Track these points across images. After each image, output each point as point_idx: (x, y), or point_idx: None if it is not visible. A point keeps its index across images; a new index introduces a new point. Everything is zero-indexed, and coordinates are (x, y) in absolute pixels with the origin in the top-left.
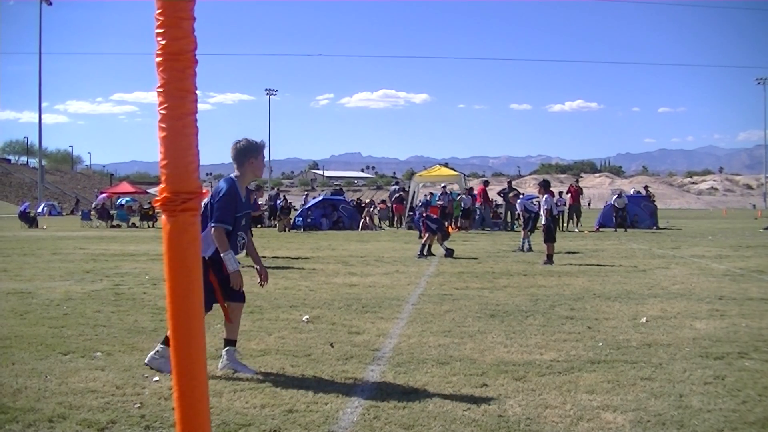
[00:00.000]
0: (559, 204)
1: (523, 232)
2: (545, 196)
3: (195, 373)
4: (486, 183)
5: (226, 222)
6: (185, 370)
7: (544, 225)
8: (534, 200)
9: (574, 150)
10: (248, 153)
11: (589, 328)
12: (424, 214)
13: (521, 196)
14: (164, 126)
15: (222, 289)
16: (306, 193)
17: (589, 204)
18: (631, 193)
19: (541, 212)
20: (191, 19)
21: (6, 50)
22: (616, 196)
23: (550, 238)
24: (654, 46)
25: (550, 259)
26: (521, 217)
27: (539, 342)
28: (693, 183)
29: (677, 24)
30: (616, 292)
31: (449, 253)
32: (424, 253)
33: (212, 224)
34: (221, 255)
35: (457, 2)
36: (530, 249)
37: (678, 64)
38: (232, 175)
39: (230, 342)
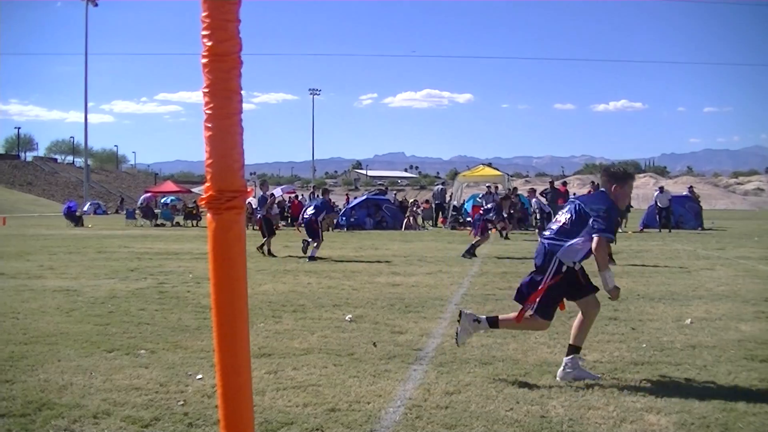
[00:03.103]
0: None
1: (538, 231)
2: None
3: (239, 371)
4: (565, 183)
5: (613, 233)
6: (229, 367)
7: None
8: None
9: (618, 150)
10: (617, 179)
11: (632, 330)
12: (485, 217)
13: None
14: (210, 126)
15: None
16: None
17: (631, 206)
18: (682, 193)
19: None
20: (237, 21)
21: (54, 51)
22: (658, 191)
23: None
24: (700, 45)
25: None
26: (536, 215)
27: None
28: (739, 183)
29: (723, 22)
30: (660, 294)
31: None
32: (474, 253)
33: (598, 234)
34: (601, 273)
35: (502, 1)
36: None
37: (724, 63)
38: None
39: (575, 348)
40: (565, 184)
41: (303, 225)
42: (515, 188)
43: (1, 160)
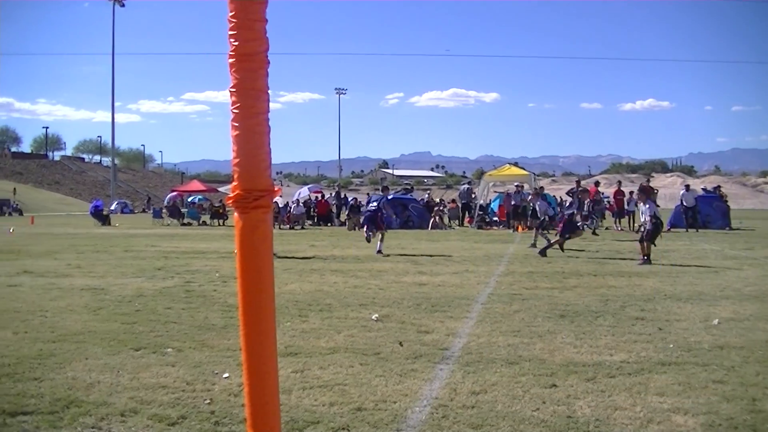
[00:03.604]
0: (630, 203)
1: (534, 231)
2: (648, 204)
3: (265, 370)
4: (597, 183)
5: None
6: (256, 366)
7: (649, 227)
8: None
9: (645, 149)
10: None
11: (659, 330)
12: (566, 213)
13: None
14: (237, 125)
15: None
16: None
17: (658, 206)
18: (700, 192)
19: (646, 218)
20: (263, 21)
21: (81, 51)
22: (684, 190)
23: (652, 239)
24: (728, 44)
25: (648, 259)
26: (538, 216)
27: (609, 343)
28: (767, 183)
29: (751, 21)
30: (688, 294)
31: (543, 251)
32: (545, 252)
33: None
34: None
35: (530, 1)
36: (549, 242)
37: (752, 61)
38: None
39: None
40: (597, 184)
41: (365, 220)
42: (542, 187)
43: (29, 160)
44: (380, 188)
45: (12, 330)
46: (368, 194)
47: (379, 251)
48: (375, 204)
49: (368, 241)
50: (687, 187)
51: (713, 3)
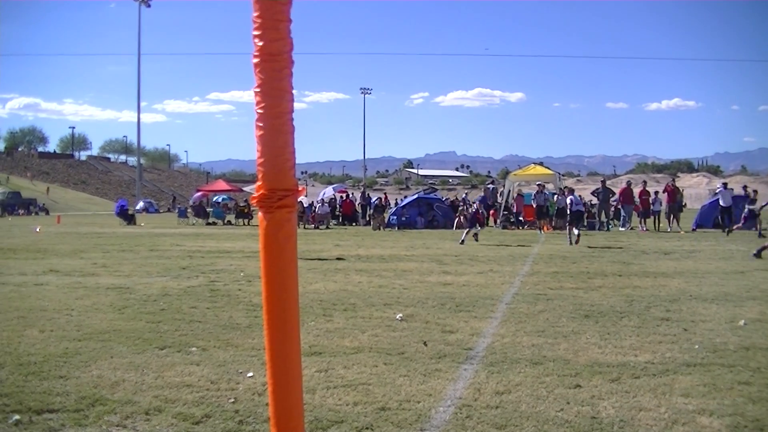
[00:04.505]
0: (655, 203)
1: (567, 228)
2: None
3: (290, 369)
4: (629, 183)
5: None
6: (280, 365)
7: None
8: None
9: (671, 149)
10: None
11: (685, 330)
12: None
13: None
14: (261, 125)
15: None
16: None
17: (685, 205)
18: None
19: None
20: (288, 20)
21: (107, 51)
22: (721, 188)
23: None
24: (755, 43)
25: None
26: (567, 212)
27: (634, 343)
28: None
29: None
30: (714, 294)
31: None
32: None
33: None
34: None
35: (555, 0)
36: (577, 241)
37: None
38: None
39: None
40: (629, 184)
41: (468, 218)
42: (572, 189)
43: (56, 159)
44: (483, 189)
45: (38, 328)
46: (467, 195)
47: (462, 242)
48: (475, 205)
49: (476, 239)
50: (725, 185)
51: (741, 2)
